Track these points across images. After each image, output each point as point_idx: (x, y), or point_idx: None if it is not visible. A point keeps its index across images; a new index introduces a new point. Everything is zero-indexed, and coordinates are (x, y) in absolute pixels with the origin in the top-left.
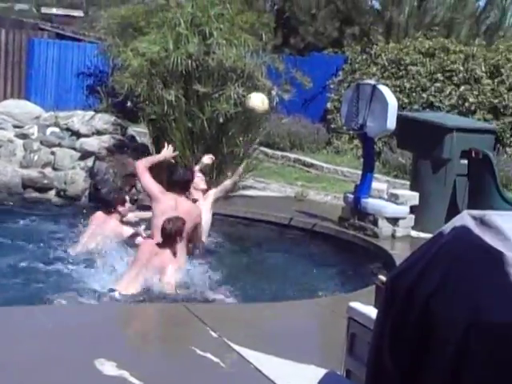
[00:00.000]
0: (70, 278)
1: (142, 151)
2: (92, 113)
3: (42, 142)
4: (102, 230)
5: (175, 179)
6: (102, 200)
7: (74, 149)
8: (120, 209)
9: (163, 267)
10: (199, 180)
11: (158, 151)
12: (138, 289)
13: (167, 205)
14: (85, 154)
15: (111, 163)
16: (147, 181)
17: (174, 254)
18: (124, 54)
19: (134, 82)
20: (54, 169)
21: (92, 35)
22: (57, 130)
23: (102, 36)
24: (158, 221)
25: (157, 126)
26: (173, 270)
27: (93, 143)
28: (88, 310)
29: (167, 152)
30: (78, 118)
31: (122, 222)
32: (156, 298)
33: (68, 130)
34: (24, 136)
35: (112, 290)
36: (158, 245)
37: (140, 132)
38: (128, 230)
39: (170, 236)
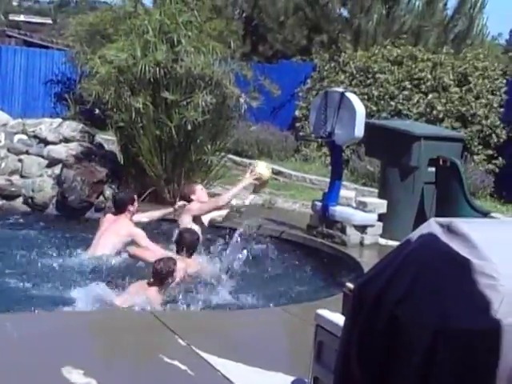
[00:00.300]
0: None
1: (109, 159)
2: (60, 120)
3: (9, 150)
4: (115, 230)
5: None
6: (114, 200)
7: (42, 156)
8: (130, 208)
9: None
10: (203, 193)
11: (126, 158)
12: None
13: None
14: (52, 162)
15: (79, 171)
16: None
17: (162, 291)
18: (92, 62)
19: (102, 89)
20: (22, 176)
21: (60, 42)
22: (24, 137)
23: (70, 43)
24: None
25: (125, 133)
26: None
27: (60, 150)
28: (53, 318)
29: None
30: (46, 126)
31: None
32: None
33: (35, 137)
34: None
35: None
36: (148, 283)
37: (108, 139)
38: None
39: (160, 276)
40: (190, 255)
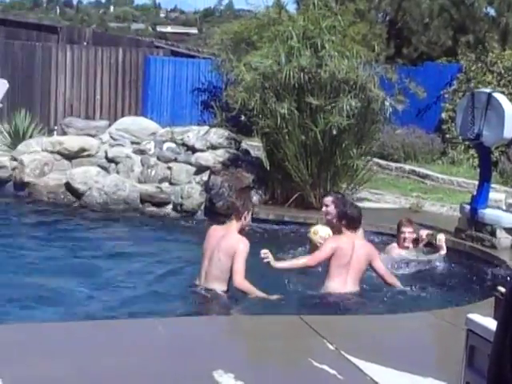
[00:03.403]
0: None
1: (255, 164)
2: (207, 128)
3: (158, 158)
4: (225, 250)
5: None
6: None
7: (190, 163)
8: (244, 219)
9: None
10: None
11: (272, 164)
12: None
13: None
14: (200, 169)
15: (226, 177)
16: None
17: None
18: (237, 69)
19: (247, 96)
20: (171, 183)
21: (206, 51)
22: (173, 145)
23: (215, 52)
24: None
25: (270, 139)
26: None
27: (208, 158)
28: (204, 322)
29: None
30: (193, 133)
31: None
32: None
33: (183, 145)
34: (141, 152)
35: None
36: None
37: (254, 146)
38: None
39: None
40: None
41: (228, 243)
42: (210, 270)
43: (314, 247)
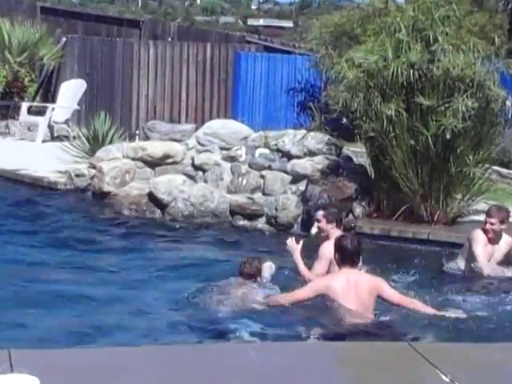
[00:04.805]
0: None
1: (359, 173)
2: (304, 132)
3: (250, 165)
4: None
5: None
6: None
7: (285, 172)
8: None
9: None
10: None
11: (377, 172)
12: None
13: None
14: (296, 177)
15: (325, 187)
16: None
17: None
18: (338, 66)
19: (350, 96)
20: (264, 194)
21: (303, 46)
22: (266, 151)
23: (313, 47)
24: None
25: (375, 144)
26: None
27: (305, 165)
28: (293, 349)
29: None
30: (289, 138)
31: None
32: None
33: (278, 151)
34: (231, 159)
35: None
36: None
37: (357, 152)
38: None
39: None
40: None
41: None
42: None
43: None
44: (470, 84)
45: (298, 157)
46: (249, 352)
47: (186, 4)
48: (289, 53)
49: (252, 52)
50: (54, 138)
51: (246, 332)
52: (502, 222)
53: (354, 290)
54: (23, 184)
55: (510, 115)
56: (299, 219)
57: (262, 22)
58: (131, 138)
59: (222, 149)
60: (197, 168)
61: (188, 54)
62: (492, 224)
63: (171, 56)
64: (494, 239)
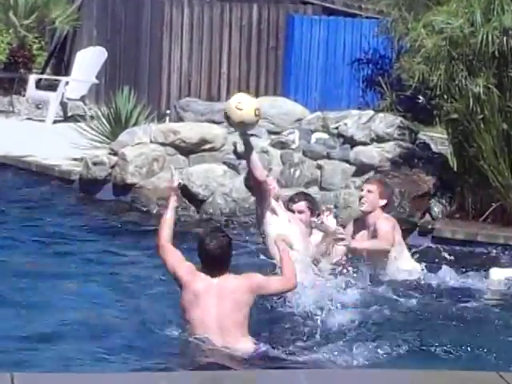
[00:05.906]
0: None
1: (438, 163)
2: (371, 113)
3: (304, 153)
4: None
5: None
6: None
7: (347, 161)
8: None
9: None
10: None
11: (462, 163)
12: None
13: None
14: (361, 168)
15: (397, 180)
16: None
17: None
18: (414, 32)
19: (428, 69)
20: (322, 188)
21: (371, 8)
22: (325, 136)
23: (383, 9)
24: None
25: (459, 128)
26: None
27: (372, 153)
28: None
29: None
30: (353, 120)
31: None
32: None
33: (339, 135)
34: (282, 145)
35: None
36: None
37: (436, 138)
38: None
39: None
40: None
41: None
42: None
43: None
44: None
45: (364, 143)
46: (300, 378)
47: None
48: (353, 16)
49: (308, 15)
50: (67, 118)
51: None
52: None
53: None
54: (30, 173)
55: None
56: None
57: None
58: (160, 118)
59: (270, 133)
60: (240, 156)
61: (230, 17)
62: None
63: (210, 19)
64: None
